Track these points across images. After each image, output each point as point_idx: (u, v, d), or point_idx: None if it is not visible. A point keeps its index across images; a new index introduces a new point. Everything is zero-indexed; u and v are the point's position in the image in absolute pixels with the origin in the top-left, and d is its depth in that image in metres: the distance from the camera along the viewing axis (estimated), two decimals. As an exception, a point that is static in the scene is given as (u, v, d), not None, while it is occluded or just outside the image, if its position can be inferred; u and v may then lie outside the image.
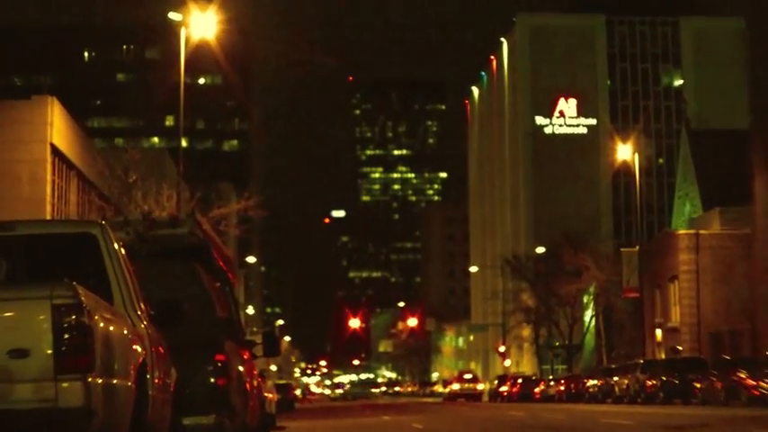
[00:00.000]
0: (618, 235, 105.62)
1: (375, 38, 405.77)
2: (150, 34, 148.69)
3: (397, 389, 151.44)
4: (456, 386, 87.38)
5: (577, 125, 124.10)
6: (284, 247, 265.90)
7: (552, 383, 67.58)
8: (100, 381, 7.33)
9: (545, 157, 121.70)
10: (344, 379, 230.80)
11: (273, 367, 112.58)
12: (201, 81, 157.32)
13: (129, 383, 8.11)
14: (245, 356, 14.99)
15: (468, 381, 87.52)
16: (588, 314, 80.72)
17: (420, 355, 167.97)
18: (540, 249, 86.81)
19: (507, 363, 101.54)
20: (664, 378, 45.51)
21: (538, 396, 67.82)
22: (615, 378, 52.10)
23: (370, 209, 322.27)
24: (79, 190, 45.93)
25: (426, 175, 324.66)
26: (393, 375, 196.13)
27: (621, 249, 67.55)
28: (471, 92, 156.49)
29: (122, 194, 43.74)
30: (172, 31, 48.87)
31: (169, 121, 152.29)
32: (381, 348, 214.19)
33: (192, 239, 13.75)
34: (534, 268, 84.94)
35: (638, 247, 65.36)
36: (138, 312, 9.08)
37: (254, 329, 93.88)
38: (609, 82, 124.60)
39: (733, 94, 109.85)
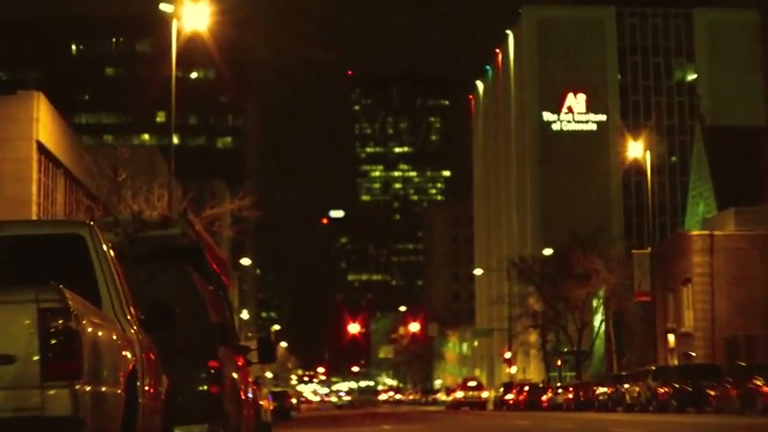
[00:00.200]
0: (629, 236, 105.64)
1: (375, 31, 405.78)
2: (140, 26, 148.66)
3: (398, 396, 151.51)
4: (459, 394, 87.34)
5: (586, 121, 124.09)
6: (280, 248, 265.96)
7: (560, 391, 67.56)
8: (88, 388, 7.33)
9: (553, 155, 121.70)
10: (343, 386, 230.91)
11: (269, 374, 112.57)
12: (194, 75, 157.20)
13: (119, 391, 8.11)
14: (240, 363, 15.00)
15: (473, 388, 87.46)
16: (598, 319, 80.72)
17: (422, 362, 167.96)
18: (548, 251, 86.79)
19: (513, 369, 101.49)
20: (676, 385, 45.52)
21: (545, 404, 67.80)
22: (626, 385, 52.11)
23: (369, 209, 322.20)
24: (66, 189, 45.93)
25: (429, 173, 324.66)
26: (394, 383, 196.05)
27: (632, 251, 67.55)
28: (476, 87, 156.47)
29: (111, 194, 43.73)
30: (163, 23, 48.86)
31: (160, 117, 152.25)
32: (382, 355, 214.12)
33: (184, 241, 13.75)
34: (541, 271, 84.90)
35: (649, 249, 65.33)
36: (128, 317, 9.09)
37: (249, 335, 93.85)
38: (619, 76, 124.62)
39: (749, 89, 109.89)
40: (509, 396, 76.59)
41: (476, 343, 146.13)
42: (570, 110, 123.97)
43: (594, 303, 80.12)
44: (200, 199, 47.39)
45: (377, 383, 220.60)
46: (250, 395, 16.93)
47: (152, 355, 9.60)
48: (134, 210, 36.25)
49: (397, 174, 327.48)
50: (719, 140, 74.87)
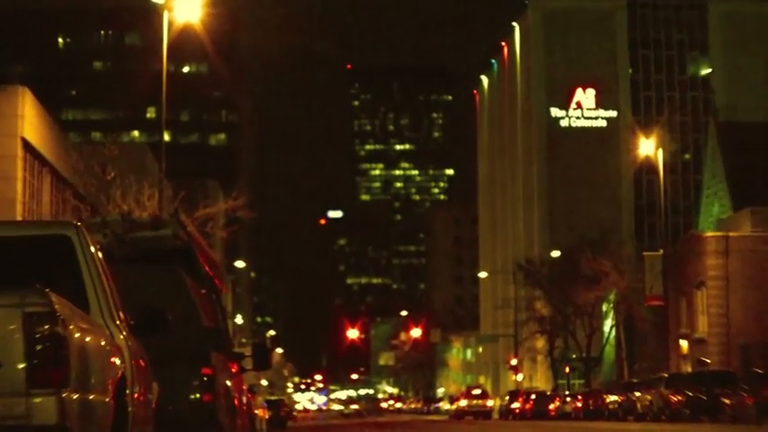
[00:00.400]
0: (640, 238, 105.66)
1: (375, 23, 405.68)
2: (130, 18, 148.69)
3: (398, 405, 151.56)
4: (463, 402, 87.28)
5: (596, 118, 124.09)
6: (276, 250, 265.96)
7: (569, 399, 67.59)
8: (75, 396, 7.34)
9: (561, 153, 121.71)
10: (342, 395, 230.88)
11: (264, 382, 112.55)
12: (186, 69, 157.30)
13: (107, 399, 8.12)
14: (234, 370, 15.01)
15: (477, 397, 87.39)
16: (608, 324, 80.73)
17: (424, 369, 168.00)
18: (556, 253, 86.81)
19: (519, 377, 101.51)
20: (690, 393, 45.53)
21: (553, 413, 67.84)
22: (637, 393, 52.13)
23: (369, 209, 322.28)
24: (53, 188, 45.96)
25: (431, 171, 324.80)
26: (395, 391, 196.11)
27: (644, 253, 67.63)
28: (480, 81, 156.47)
29: (99, 193, 43.77)
30: (153, 14, 48.89)
31: (150, 113, 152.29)
32: (382, 361, 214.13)
33: (176, 242, 13.76)
34: (549, 274, 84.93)
35: (661, 251, 65.35)
36: (117, 322, 9.10)
37: (243, 341, 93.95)
38: (630, 70, 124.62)
39: (765, 83, 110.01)
40: (515, 405, 76.57)
41: (480, 349, 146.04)
42: (579, 105, 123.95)
43: (604, 308, 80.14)
44: (192, 198, 47.44)
45: (377, 391, 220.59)
46: (244, 403, 16.94)
47: (142, 362, 9.61)
48: (123, 210, 36.29)
49: (397, 172, 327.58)
50: (735, 137, 74.87)
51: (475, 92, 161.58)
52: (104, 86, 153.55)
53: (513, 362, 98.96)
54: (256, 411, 33.24)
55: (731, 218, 69.35)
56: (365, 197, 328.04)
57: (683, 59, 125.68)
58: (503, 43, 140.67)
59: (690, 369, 60.37)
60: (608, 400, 57.57)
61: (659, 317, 65.98)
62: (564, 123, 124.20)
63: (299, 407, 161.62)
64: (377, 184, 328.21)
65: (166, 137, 47.38)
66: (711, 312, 61.39)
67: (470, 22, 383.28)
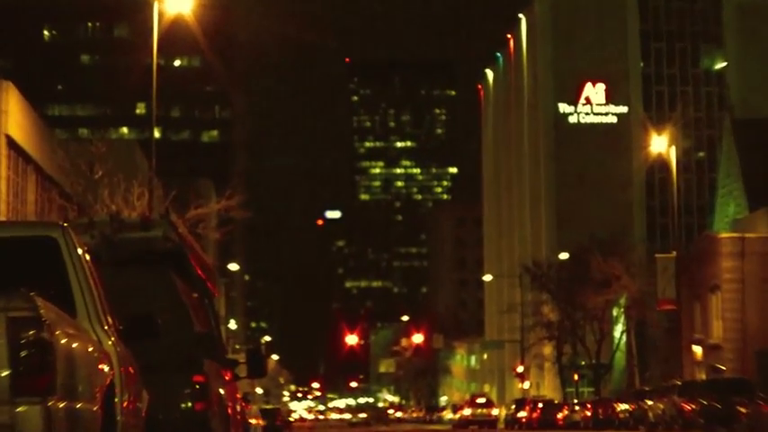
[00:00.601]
0: (652, 239, 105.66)
1: (375, 13, 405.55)
2: (119, 10, 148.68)
3: (398, 414, 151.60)
4: (467, 411, 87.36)
5: (606, 114, 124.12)
6: (271, 252, 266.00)
7: (577, 408, 67.63)
8: (62, 405, 7.35)
9: (569, 150, 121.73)
10: (340, 403, 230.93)
11: (259, 390, 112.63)
12: (177, 63, 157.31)
13: (95, 408, 8.13)
14: (227, 377, 15.02)
15: (482, 405, 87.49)
16: (618, 329, 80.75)
17: (426, 377, 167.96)
18: (564, 255, 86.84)
19: (526, 385, 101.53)
20: (704, 402, 45.52)
21: (561, 423, 67.88)
22: (649, 402, 52.14)
23: (369, 209, 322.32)
24: (38, 187, 45.96)
25: (433, 170, 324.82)
26: (395, 399, 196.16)
27: (656, 255, 67.57)
28: (485, 75, 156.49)
29: (87, 192, 43.77)
30: (143, 5, 48.90)
31: (140, 109, 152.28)
32: (382, 369, 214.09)
33: (167, 244, 13.77)
34: (557, 277, 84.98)
35: (674, 253, 65.37)
36: (105, 327, 9.11)
37: (237, 347, 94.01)
38: (642, 64, 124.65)
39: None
40: (521, 414, 76.59)
41: (485, 356, 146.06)
42: (588, 101, 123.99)
43: (615, 312, 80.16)
44: (183, 198, 47.41)
45: (377, 400, 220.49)
46: (238, 413, 16.95)
47: (131, 369, 9.62)
48: (111, 210, 36.29)
49: (399, 171, 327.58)
50: (751, 134, 74.85)
51: (479, 86, 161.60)
52: (92, 81, 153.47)
53: (520, 369, 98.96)
54: (251, 421, 33.29)
55: (747, 218, 69.34)
56: (365, 197, 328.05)
57: (696, 52, 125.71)
58: (508, 35, 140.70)
59: (704, 376, 60.35)
60: (618, 409, 57.59)
61: (672, 322, 65.99)
62: (572, 119, 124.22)
63: (294, 416, 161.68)
64: (377, 183, 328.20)
65: (157, 134, 47.41)
66: (726, 317, 61.39)
67: (475, 13, 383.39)
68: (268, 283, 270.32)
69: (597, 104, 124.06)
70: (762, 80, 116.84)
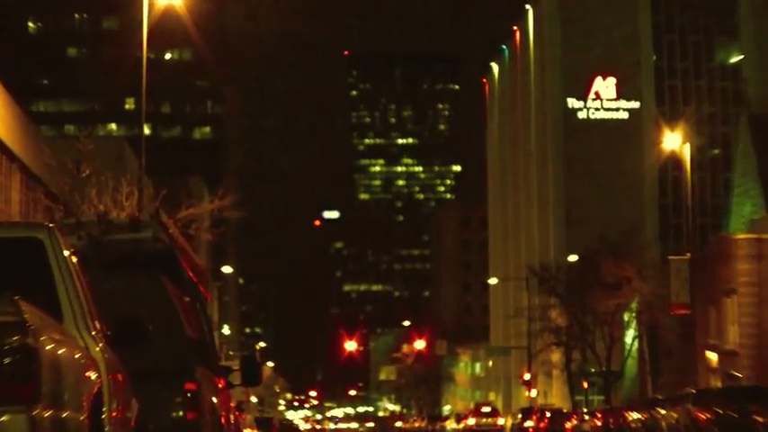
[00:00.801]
0: (665, 240, 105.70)
1: (374, 3, 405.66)
2: (107, 1, 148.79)
3: (399, 424, 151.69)
4: (472, 421, 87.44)
5: (617, 109, 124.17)
6: (266, 254, 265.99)
7: (587, 418, 67.65)
8: (47, 414, 7.35)
9: (578, 148, 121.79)
10: (338, 412, 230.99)
11: (254, 399, 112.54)
12: (168, 56, 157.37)
13: (82, 417, 8.13)
14: (220, 385, 15.03)
15: (487, 415, 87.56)
16: (630, 335, 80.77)
17: (429, 385, 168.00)
18: (573, 257, 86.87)
19: (533, 393, 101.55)
20: (719, 411, 45.50)
21: (569, 433, 67.93)
22: (662, 411, 52.12)
23: (369, 209, 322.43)
24: (22, 186, 45.97)
25: (436, 168, 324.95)
26: (396, 408, 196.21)
27: (669, 257, 67.50)
28: (490, 69, 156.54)
29: (73, 192, 43.76)
30: (132, -4, 48.90)
31: (129, 105, 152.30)
32: (383, 376, 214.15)
33: (157, 245, 13.79)
34: (566, 280, 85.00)
35: (688, 255, 65.33)
36: (93, 332, 9.11)
37: (231, 353, 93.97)
38: (654, 58, 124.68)
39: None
40: (528, 423, 76.65)
41: (490, 363, 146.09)
42: (598, 96, 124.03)
43: (626, 317, 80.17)
44: (174, 198, 47.40)
45: (377, 409, 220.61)
46: (232, 422, 16.95)
47: (120, 377, 9.62)
48: (99, 210, 36.31)
49: (400, 169, 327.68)
50: (769, 131, 74.90)
51: (484, 80, 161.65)
52: (79, 75, 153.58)
53: (527, 376, 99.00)
54: (245, 430, 33.29)
55: (764, 219, 69.33)
56: (364, 196, 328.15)
57: (711, 45, 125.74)
58: (515, 27, 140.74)
59: (719, 384, 60.35)
60: (630, 419, 57.58)
61: (686, 327, 65.96)
62: (582, 115, 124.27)
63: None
64: (377, 182, 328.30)
65: (146, 130, 47.44)
66: (743, 322, 61.37)
67: (479, 3, 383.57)
68: (263, 286, 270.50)
69: (607, 99, 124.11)
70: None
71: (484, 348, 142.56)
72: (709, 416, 46.21)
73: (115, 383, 9.31)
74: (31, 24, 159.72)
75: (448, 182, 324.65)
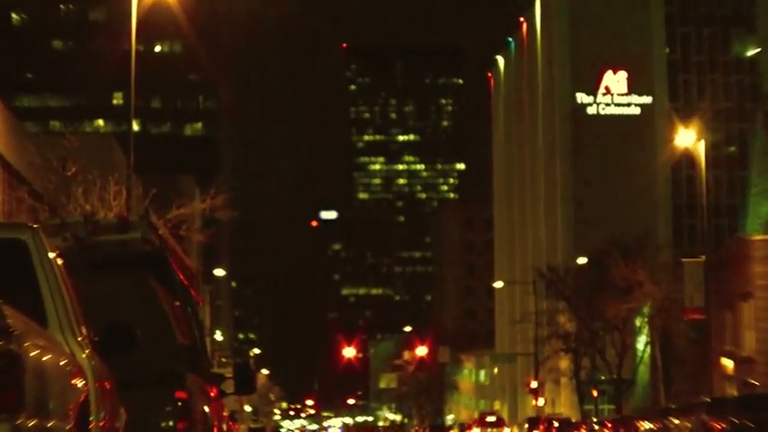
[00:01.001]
0: (678, 242, 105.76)
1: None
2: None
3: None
4: (476, 431, 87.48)
5: (628, 104, 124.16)
6: (260, 257, 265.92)
7: (596, 427, 67.68)
8: (32, 423, 7.36)
9: (588, 145, 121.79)
10: (336, 422, 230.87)
11: (248, 408, 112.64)
12: (158, 49, 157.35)
13: (68, 427, 8.15)
14: (213, 394, 15.05)
15: (492, 424, 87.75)
16: (641, 341, 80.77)
17: (431, 393, 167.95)
18: (582, 260, 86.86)
19: (540, 402, 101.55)
20: (735, 420, 45.52)
21: (578, 443, 67.98)
22: (675, 420, 52.16)
23: (368, 209, 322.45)
24: (5, 185, 45.96)
25: (439, 166, 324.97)
26: (397, 418, 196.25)
27: (683, 260, 67.54)
28: (496, 62, 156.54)
29: (59, 191, 43.77)
30: (121, -14, 48.92)
31: (117, 100, 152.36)
32: (383, 384, 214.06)
33: (146, 247, 13.80)
34: (574, 283, 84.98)
35: (703, 258, 65.36)
36: (79, 338, 9.12)
37: (224, 360, 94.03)
38: (667, 50, 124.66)
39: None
40: (535, 433, 76.71)
41: (495, 370, 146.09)
42: (608, 90, 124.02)
43: (638, 322, 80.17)
44: (164, 197, 47.43)
45: (377, 418, 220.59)
46: (224, 432, 16.97)
47: (108, 384, 9.64)
48: (86, 210, 36.33)
49: (401, 167, 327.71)
50: (787, 127, 74.90)
51: (489, 74, 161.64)
52: (65, 69, 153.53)
53: (534, 384, 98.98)
54: (238, 441, 33.28)
55: (783, 219, 69.38)
56: (363, 196, 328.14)
57: (727, 37, 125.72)
58: (521, 19, 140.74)
59: (735, 392, 60.38)
60: (642, 429, 57.61)
61: (700, 332, 66.00)
62: (591, 110, 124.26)
63: None
64: (377, 181, 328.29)
65: (135, 126, 47.44)
66: (760, 327, 61.39)
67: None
68: (257, 290, 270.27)
69: (618, 94, 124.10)
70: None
71: (489, 355, 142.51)
72: (724, 426, 46.24)
73: (102, 391, 9.33)
74: (14, 16, 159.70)
75: (451, 181, 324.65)
